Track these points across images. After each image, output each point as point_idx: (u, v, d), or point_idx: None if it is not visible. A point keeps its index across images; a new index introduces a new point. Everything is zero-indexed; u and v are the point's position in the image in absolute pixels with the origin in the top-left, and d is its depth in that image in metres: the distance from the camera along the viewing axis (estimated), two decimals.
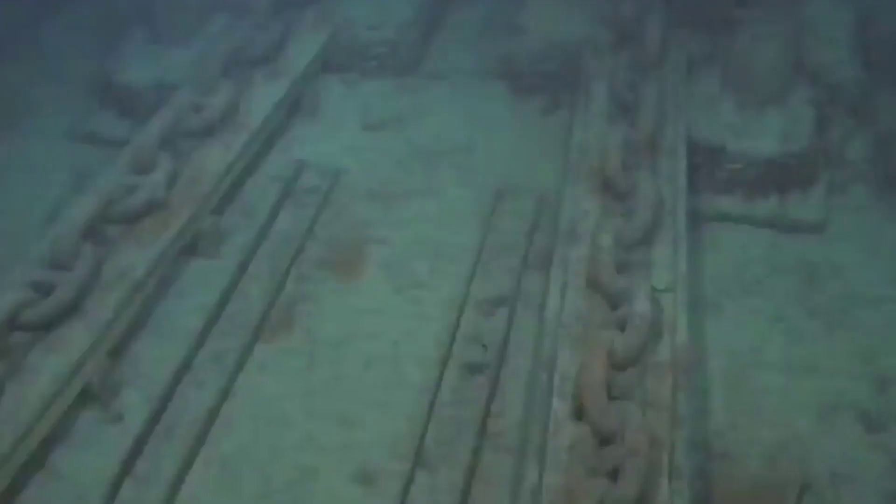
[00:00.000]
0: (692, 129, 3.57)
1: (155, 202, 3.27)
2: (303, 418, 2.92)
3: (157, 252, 3.17)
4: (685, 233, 3.14)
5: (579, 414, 2.53)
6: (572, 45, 4.10)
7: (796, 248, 3.45)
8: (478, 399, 2.90)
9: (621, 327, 2.69)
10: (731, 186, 3.54)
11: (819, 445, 2.80)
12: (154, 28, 4.34)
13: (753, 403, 2.93)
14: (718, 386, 2.99)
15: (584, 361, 2.58)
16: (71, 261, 2.99)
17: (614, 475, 2.33)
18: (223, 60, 3.95)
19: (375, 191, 3.77)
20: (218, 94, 3.75)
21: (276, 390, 3.02)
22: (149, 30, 4.37)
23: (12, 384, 2.71)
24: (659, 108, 3.50)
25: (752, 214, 3.53)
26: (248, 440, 2.86)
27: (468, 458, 2.73)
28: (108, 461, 2.72)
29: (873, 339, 3.11)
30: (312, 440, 2.85)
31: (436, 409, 2.89)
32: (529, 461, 2.54)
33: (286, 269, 3.40)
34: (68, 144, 4.12)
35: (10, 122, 4.26)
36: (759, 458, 2.77)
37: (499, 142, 4.00)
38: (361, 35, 4.36)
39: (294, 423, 2.90)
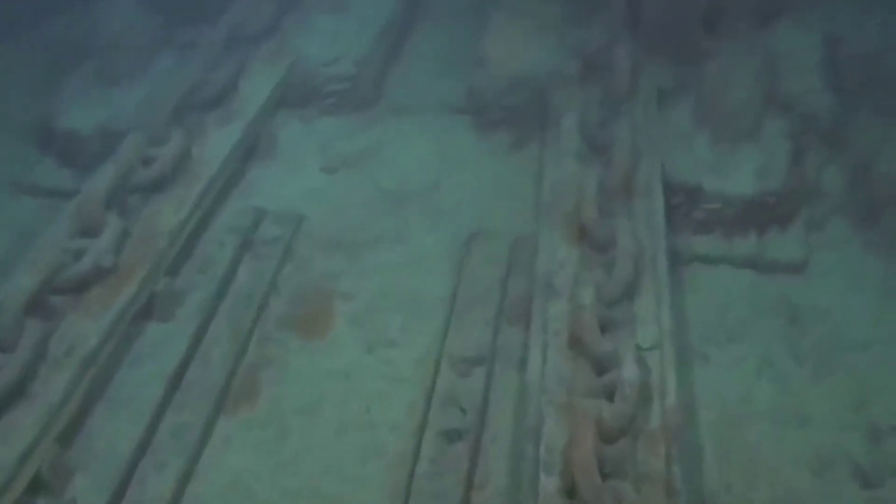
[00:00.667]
0: (667, 167, 3.44)
1: (104, 268, 3.05)
2: (274, 497, 2.74)
3: (108, 321, 2.95)
4: (667, 281, 3.02)
5: (570, 491, 2.39)
6: (538, 76, 3.95)
7: (777, 288, 3.34)
8: (458, 469, 2.73)
9: (609, 395, 2.55)
10: (708, 226, 3.42)
11: None
12: (97, 67, 4.10)
13: (746, 460, 2.81)
14: (709, 441, 2.86)
15: (573, 435, 2.43)
16: (14, 340, 2.76)
17: None
18: (173, 104, 3.72)
19: (339, 239, 3.58)
20: (168, 143, 3.51)
21: (243, 467, 2.82)
22: (91, 69, 4.12)
23: None
24: (633, 147, 3.36)
25: (731, 255, 3.41)
26: None
27: None
28: None
29: (862, 385, 3.01)
30: None
31: (415, 482, 2.71)
32: None
33: (248, 331, 3.19)
34: (7, 197, 3.85)
35: None
36: None
37: (467, 181, 3.82)
38: (318, 71, 4.16)
39: None
